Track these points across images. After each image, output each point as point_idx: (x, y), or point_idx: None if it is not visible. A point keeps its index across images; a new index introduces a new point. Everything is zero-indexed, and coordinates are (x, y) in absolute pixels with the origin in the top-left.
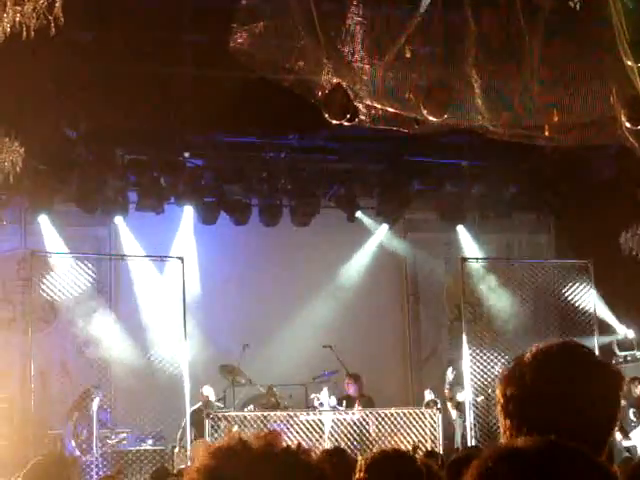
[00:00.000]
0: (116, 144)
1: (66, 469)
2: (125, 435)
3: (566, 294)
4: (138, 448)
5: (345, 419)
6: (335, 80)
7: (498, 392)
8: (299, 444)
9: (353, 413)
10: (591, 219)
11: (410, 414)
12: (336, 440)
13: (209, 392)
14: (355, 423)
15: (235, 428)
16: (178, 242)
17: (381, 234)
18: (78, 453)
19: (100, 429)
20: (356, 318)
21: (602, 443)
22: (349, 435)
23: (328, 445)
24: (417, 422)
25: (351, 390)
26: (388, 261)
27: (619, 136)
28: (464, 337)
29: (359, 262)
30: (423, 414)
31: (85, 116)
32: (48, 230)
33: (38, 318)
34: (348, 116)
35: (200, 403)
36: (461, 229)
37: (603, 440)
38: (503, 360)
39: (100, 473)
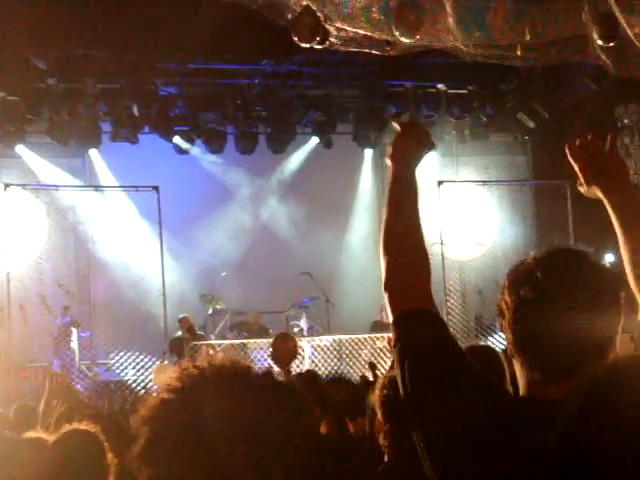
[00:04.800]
0: (87, 74)
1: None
2: (105, 366)
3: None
4: (120, 379)
5: (325, 345)
6: (304, 2)
7: (506, 298)
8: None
9: (327, 340)
10: (568, 139)
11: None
12: (315, 366)
13: (187, 319)
14: (334, 349)
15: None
16: (153, 172)
17: (367, 160)
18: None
19: (81, 360)
20: (335, 244)
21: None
22: (328, 360)
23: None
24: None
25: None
26: (364, 186)
27: (592, 54)
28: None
29: (335, 186)
30: None
31: (54, 45)
32: (25, 161)
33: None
34: (318, 39)
35: (179, 332)
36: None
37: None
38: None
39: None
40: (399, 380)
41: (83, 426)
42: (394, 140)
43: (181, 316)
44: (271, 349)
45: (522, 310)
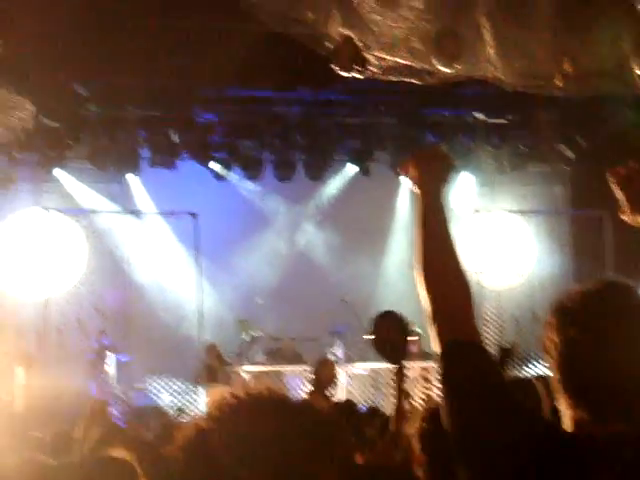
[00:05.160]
0: (127, 100)
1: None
2: (141, 391)
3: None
4: (155, 404)
5: (361, 373)
6: (345, 31)
7: (553, 337)
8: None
9: (364, 368)
10: (608, 168)
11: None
12: (350, 394)
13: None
14: (371, 377)
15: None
16: (190, 198)
17: (405, 188)
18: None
19: (117, 384)
20: (371, 271)
21: None
22: (365, 389)
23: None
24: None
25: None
26: (401, 213)
27: (632, 85)
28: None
29: (372, 213)
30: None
31: (96, 73)
32: (64, 186)
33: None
34: (358, 68)
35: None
36: (470, 179)
37: None
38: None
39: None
40: (444, 413)
41: (119, 453)
42: (418, 167)
43: (208, 344)
44: (311, 374)
45: (570, 352)
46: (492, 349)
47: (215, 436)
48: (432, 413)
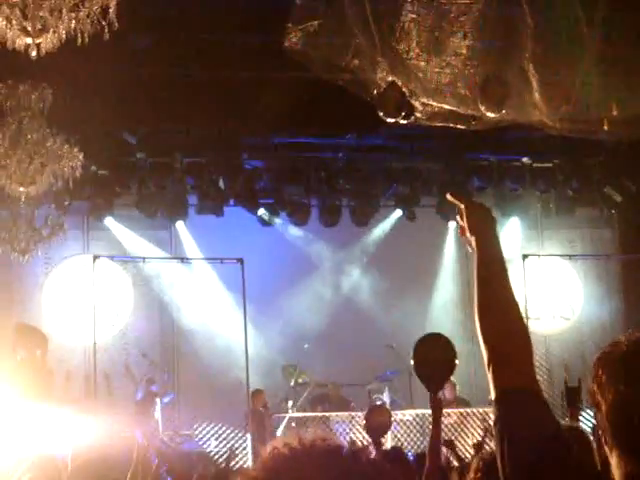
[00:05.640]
0: (175, 148)
1: None
2: (189, 437)
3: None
4: (200, 450)
5: (408, 420)
6: (390, 78)
7: (602, 391)
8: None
9: (410, 414)
10: None
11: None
12: (398, 440)
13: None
14: (417, 423)
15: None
16: (237, 244)
17: (451, 232)
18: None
19: (164, 430)
20: (418, 316)
21: None
22: (411, 435)
23: (390, 445)
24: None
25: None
26: (448, 258)
27: None
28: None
29: (418, 258)
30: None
31: (144, 121)
32: (113, 233)
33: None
34: (403, 114)
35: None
36: (517, 224)
37: None
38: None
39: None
40: (498, 460)
41: None
42: (466, 218)
43: (255, 390)
44: (365, 421)
45: (621, 406)
46: (556, 390)
47: None
48: (486, 463)
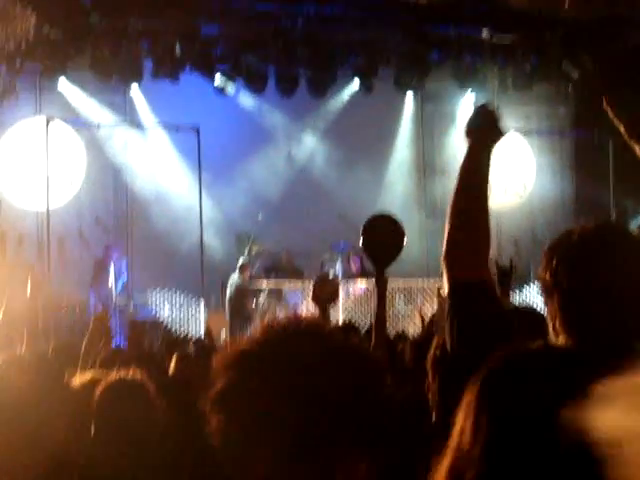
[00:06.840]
0: (130, 12)
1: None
2: (142, 303)
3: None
4: (155, 317)
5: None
6: None
7: (554, 280)
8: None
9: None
10: (614, 90)
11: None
12: (349, 312)
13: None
14: (369, 296)
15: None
16: (192, 112)
17: (408, 104)
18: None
19: (118, 295)
20: (373, 187)
21: None
22: (362, 308)
23: (342, 317)
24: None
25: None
26: (404, 129)
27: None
28: None
29: (374, 129)
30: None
31: None
32: (66, 96)
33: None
34: None
35: (235, 276)
36: (473, 98)
37: None
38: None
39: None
40: (449, 346)
41: (130, 375)
42: (472, 123)
43: (242, 263)
44: (311, 290)
45: (573, 296)
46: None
47: (260, 359)
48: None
